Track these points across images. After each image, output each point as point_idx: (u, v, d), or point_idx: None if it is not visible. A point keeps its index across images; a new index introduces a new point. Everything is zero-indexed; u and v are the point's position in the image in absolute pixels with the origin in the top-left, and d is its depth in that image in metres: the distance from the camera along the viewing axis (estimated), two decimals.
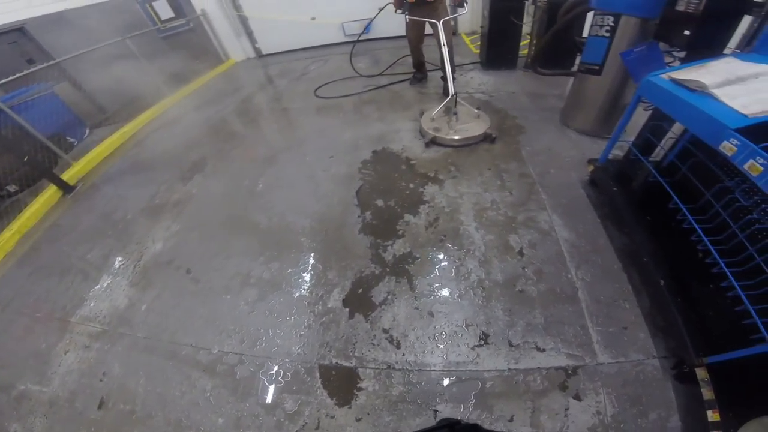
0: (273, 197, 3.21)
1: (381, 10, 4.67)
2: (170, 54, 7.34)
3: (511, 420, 1.60)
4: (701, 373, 1.48)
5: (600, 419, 1.56)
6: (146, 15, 7.21)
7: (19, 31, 5.31)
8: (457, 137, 3.45)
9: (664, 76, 1.89)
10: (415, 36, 4.49)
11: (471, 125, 3.57)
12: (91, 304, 2.49)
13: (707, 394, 1.43)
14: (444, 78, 4.60)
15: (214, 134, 4.72)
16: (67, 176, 4.02)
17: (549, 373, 1.74)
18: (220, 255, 2.68)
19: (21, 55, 5.32)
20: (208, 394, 1.87)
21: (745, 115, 1.43)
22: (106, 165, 4.46)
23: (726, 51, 2.16)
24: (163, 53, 7.14)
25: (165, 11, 7.30)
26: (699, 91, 1.67)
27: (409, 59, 5.44)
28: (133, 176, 4.08)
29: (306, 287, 2.34)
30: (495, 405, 1.66)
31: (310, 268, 2.46)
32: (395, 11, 4.16)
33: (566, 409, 1.61)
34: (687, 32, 2.17)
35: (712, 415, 1.38)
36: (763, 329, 1.32)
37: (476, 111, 3.69)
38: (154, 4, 7.17)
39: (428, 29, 4.11)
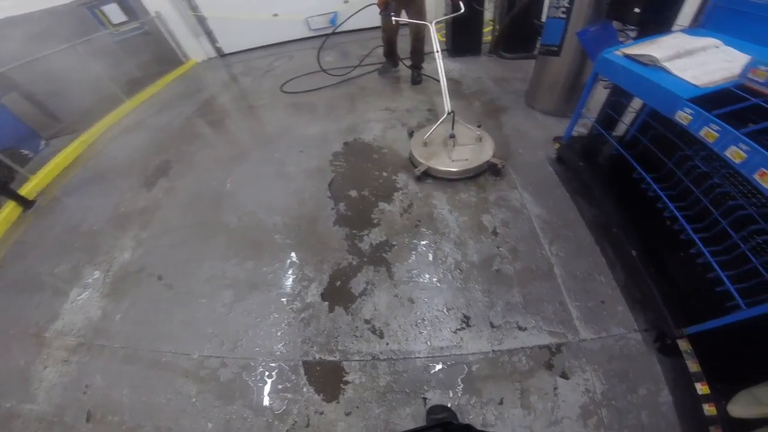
0: (242, 197, 3.12)
1: (358, 11, 4.44)
2: (126, 58, 7.02)
3: (501, 403, 1.60)
4: (683, 345, 1.49)
5: (590, 397, 1.57)
6: (96, 20, 6.87)
7: None
8: (453, 169, 2.78)
9: (618, 52, 1.95)
10: (389, 25, 4.27)
11: (471, 150, 2.91)
12: (65, 318, 2.39)
13: (692, 366, 1.43)
14: (413, 67, 4.65)
15: (177, 137, 4.54)
16: (25, 191, 3.77)
17: (533, 352, 1.75)
18: (192, 259, 2.59)
19: None
20: (194, 399, 1.82)
21: (696, 86, 1.49)
22: (67, 176, 4.21)
23: (675, 28, 2.23)
24: (118, 58, 6.81)
25: (116, 15, 6.92)
26: (651, 65, 1.73)
27: (379, 50, 5.42)
28: (95, 186, 3.87)
29: (283, 284, 2.28)
30: (483, 388, 1.65)
31: (285, 265, 2.40)
32: (379, 13, 3.87)
33: (555, 389, 1.61)
34: (637, 10, 2.25)
35: (701, 388, 1.37)
36: (737, 295, 1.36)
37: (477, 130, 2.99)
38: (103, 8, 6.83)
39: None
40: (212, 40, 7.86)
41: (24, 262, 2.95)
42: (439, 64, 2.99)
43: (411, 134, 3.02)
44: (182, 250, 2.70)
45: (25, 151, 4.67)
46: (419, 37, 4.21)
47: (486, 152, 2.84)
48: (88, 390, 1.95)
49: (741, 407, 1.26)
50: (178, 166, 3.81)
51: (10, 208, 3.55)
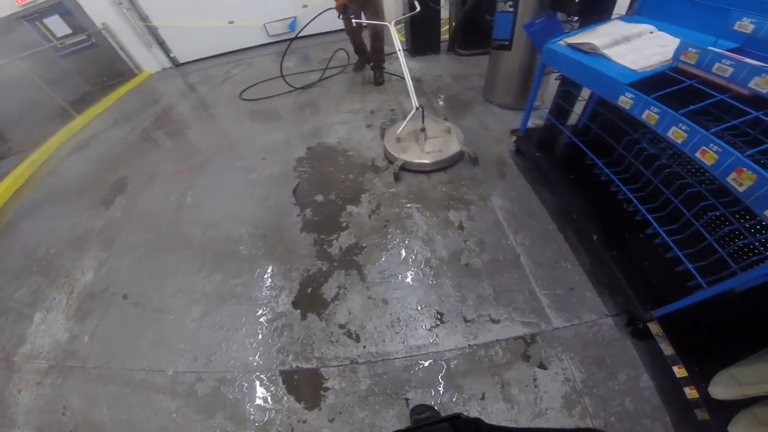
0: (205, 209, 3.03)
1: (316, 17, 4.35)
2: (74, 72, 6.71)
3: (483, 398, 1.60)
4: (655, 328, 1.49)
5: (571, 386, 1.57)
6: (38, 33, 6.51)
7: None
8: (427, 161, 2.86)
9: (561, 42, 2.01)
10: (352, 28, 4.43)
11: (442, 141, 2.99)
12: (32, 342, 2.29)
13: (666, 349, 1.42)
14: (375, 68, 4.68)
15: (134, 151, 4.36)
16: None
17: (509, 344, 1.75)
18: (156, 276, 2.50)
19: None
20: (175, 415, 1.76)
21: (634, 71, 1.55)
22: (19, 199, 3.96)
23: (614, 16, 2.31)
24: (64, 72, 6.49)
25: (60, 28, 6.60)
26: (592, 53, 1.79)
27: (341, 53, 5.51)
28: (50, 208, 3.67)
29: (252, 295, 2.23)
30: (464, 384, 1.65)
31: (253, 275, 2.35)
32: (338, 17, 3.86)
33: (535, 380, 1.61)
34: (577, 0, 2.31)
35: (678, 371, 1.36)
36: (697, 274, 1.39)
37: (445, 123, 3.14)
38: (45, 21, 6.48)
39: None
40: (166, 50, 7.64)
41: None
42: (403, 63, 3.04)
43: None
44: (146, 267, 2.61)
45: None
46: (378, 36, 4.25)
47: (456, 142, 2.94)
48: (67, 411, 1.89)
49: (722, 388, 1.25)
50: (135, 182, 3.65)
51: None
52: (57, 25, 6.58)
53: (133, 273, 2.59)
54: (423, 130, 2.97)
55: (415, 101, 2.93)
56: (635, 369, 1.59)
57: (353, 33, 4.57)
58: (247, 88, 5.40)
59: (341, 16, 3.83)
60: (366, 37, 4.67)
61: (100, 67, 7.01)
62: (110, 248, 2.87)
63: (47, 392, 2.00)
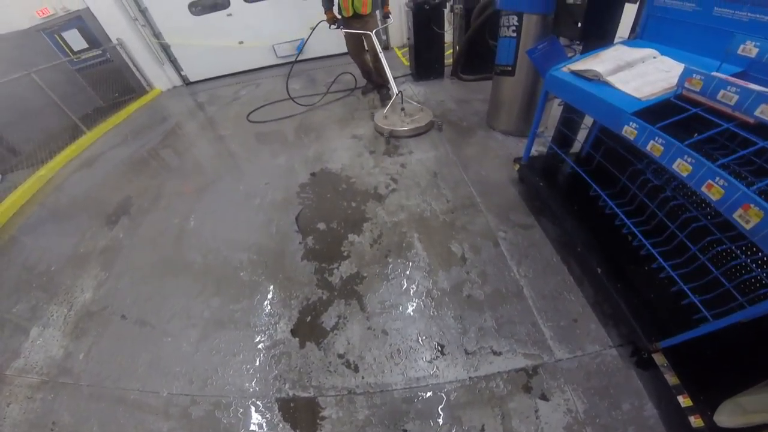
0: (207, 233, 3.03)
1: (313, 30, 4.62)
2: (87, 87, 6.83)
3: (482, 430, 1.56)
4: (659, 359, 1.48)
5: (573, 417, 1.54)
6: (55, 46, 6.68)
7: None
8: (408, 128, 3.84)
9: (564, 68, 1.98)
10: (353, 47, 4.65)
11: (418, 117, 4.00)
12: (26, 357, 2.28)
13: (671, 379, 1.42)
14: (380, 87, 4.97)
15: (140, 170, 4.41)
16: None
17: (510, 376, 1.72)
18: (156, 298, 2.50)
19: None
20: None
21: (638, 99, 1.52)
22: (24, 214, 4.00)
23: (616, 40, 2.31)
24: (78, 87, 6.62)
25: (77, 42, 6.76)
26: (595, 79, 1.76)
27: (346, 77, 5.64)
28: (54, 225, 3.71)
29: (250, 322, 2.21)
30: (463, 416, 1.62)
31: (253, 302, 2.33)
32: (329, 27, 4.35)
33: (536, 411, 1.58)
34: (579, 24, 2.31)
35: (683, 401, 1.35)
36: (702, 308, 1.35)
37: (418, 105, 4.20)
38: (63, 34, 6.65)
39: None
40: (177, 68, 7.80)
41: None
42: (382, 59, 3.94)
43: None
44: (145, 289, 2.61)
45: None
46: (378, 57, 4.33)
47: (428, 117, 3.98)
48: (56, 427, 1.88)
49: (728, 417, 1.25)
50: (140, 202, 3.68)
51: None
52: (74, 38, 6.72)
53: (133, 294, 2.59)
54: (403, 109, 4.00)
55: (394, 88, 3.94)
56: (639, 398, 1.56)
57: (357, 56, 4.72)
58: (254, 109, 5.48)
59: (331, 27, 4.39)
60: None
61: (113, 83, 7.12)
62: (111, 268, 2.87)
63: (37, 407, 1.99)
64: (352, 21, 4.29)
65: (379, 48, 3.95)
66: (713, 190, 1.15)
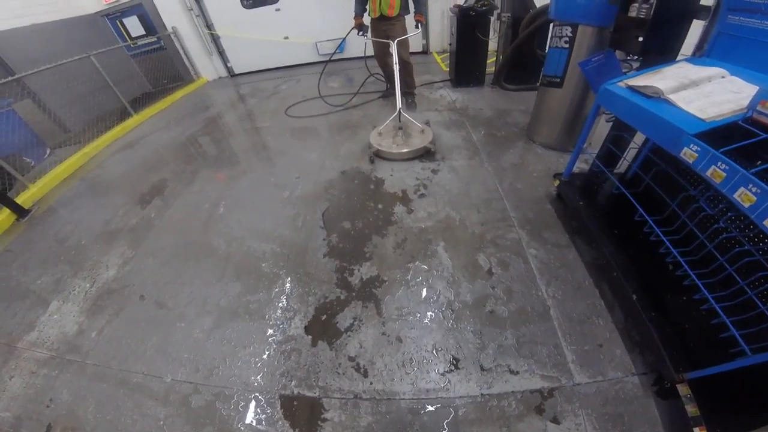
0: (234, 221, 3.07)
1: (345, 36, 4.63)
2: (139, 72, 7.20)
3: None
4: (683, 390, 1.42)
5: None
6: (115, 31, 7.07)
7: None
8: (395, 151, 3.54)
9: (620, 83, 1.87)
10: (379, 51, 4.62)
11: (415, 139, 3.66)
12: (40, 331, 2.35)
13: (691, 410, 1.37)
14: (405, 94, 4.76)
15: (178, 155, 4.56)
16: (22, 199, 3.80)
17: (524, 397, 1.65)
18: (176, 281, 2.54)
19: None
20: (162, 422, 1.74)
21: (702, 120, 1.40)
22: (64, 187, 4.24)
23: (679, 57, 2.16)
24: (131, 71, 6.98)
25: (135, 28, 7.17)
26: (655, 97, 1.64)
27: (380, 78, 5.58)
28: (90, 199, 3.90)
29: (265, 314, 2.20)
30: None
31: (270, 294, 2.32)
32: (357, 34, 4.30)
33: None
34: (640, 38, 2.17)
35: None
36: (742, 342, 1.27)
37: (421, 126, 3.78)
38: (124, 20, 7.04)
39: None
40: (224, 60, 8.08)
41: (7, 271, 2.94)
42: (396, 71, 3.70)
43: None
44: (167, 271, 2.66)
45: (28, 159, 4.72)
46: (402, 63, 4.28)
47: (424, 141, 3.58)
48: (52, 404, 1.92)
49: None
50: (174, 185, 3.80)
51: (4, 215, 3.56)
52: (134, 25, 7.14)
53: (154, 275, 2.65)
54: (400, 128, 3.69)
55: (399, 104, 3.62)
56: (653, 428, 1.51)
57: (382, 60, 4.70)
58: (293, 105, 5.57)
59: (359, 34, 4.32)
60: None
61: (163, 70, 7.47)
62: (138, 247, 2.96)
63: (39, 382, 2.04)
64: (379, 23, 4.25)
65: (395, 57, 3.69)
66: None
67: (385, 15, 4.11)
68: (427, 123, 3.86)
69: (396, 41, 3.71)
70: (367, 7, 4.20)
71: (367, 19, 4.29)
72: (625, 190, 2.01)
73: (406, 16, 4.28)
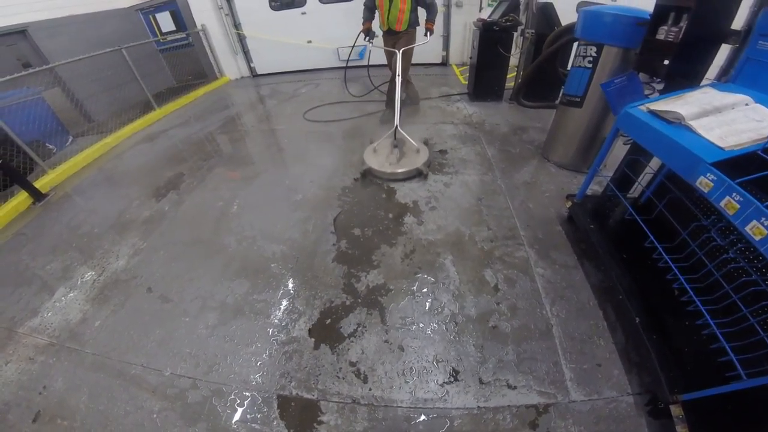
0: (246, 220, 3.12)
1: (354, 44, 4.84)
2: (165, 67, 7.39)
3: None
4: (675, 410, 1.44)
5: None
6: (147, 26, 7.26)
7: (21, 33, 5.36)
8: (387, 171, 3.42)
9: (642, 107, 1.85)
10: (389, 61, 4.71)
11: (407, 160, 3.53)
12: (43, 317, 2.39)
13: (682, 431, 1.40)
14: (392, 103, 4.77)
15: (196, 151, 4.66)
16: (40, 184, 3.92)
17: (519, 411, 1.67)
18: (184, 276, 2.58)
19: (18, 58, 5.36)
20: (155, 415, 1.76)
21: (721, 148, 1.39)
22: (82, 176, 4.36)
23: (704, 82, 2.13)
24: (158, 66, 7.18)
25: (167, 24, 7.38)
26: (676, 122, 1.63)
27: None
28: (106, 189, 4.00)
29: (270, 314, 2.23)
30: None
31: (277, 295, 2.36)
32: (364, 39, 4.39)
33: None
34: (666, 62, 2.14)
35: None
36: (739, 367, 1.29)
37: (417, 145, 3.67)
38: (157, 15, 7.23)
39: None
40: (248, 60, 8.23)
41: (18, 255, 3.01)
42: (397, 83, 3.66)
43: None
44: (176, 265, 2.70)
45: (50, 146, 4.88)
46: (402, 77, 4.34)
47: (418, 162, 3.46)
48: (45, 391, 1.94)
49: None
50: (189, 180, 3.88)
51: (22, 198, 3.68)
52: (165, 20, 7.35)
53: (163, 268, 2.69)
54: (396, 146, 3.62)
55: (397, 119, 3.57)
56: None
57: (391, 69, 4.72)
58: (311, 108, 5.64)
59: (366, 39, 4.36)
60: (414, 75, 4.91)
61: (189, 66, 7.66)
62: (149, 239, 3.02)
63: (35, 369, 2.06)
64: (388, 36, 4.44)
65: (398, 69, 3.65)
66: None
67: (393, 29, 4.27)
68: (426, 142, 3.86)
69: (401, 50, 3.75)
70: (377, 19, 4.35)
71: (376, 25, 4.39)
72: (638, 217, 1.99)
73: (417, 28, 4.38)
